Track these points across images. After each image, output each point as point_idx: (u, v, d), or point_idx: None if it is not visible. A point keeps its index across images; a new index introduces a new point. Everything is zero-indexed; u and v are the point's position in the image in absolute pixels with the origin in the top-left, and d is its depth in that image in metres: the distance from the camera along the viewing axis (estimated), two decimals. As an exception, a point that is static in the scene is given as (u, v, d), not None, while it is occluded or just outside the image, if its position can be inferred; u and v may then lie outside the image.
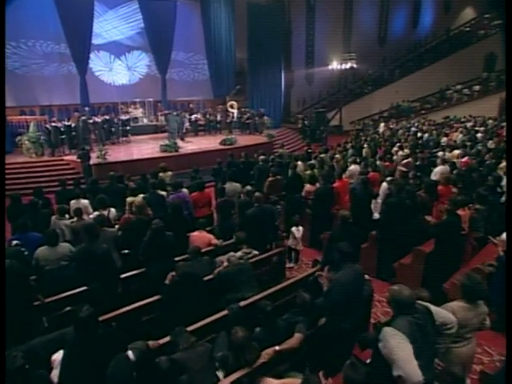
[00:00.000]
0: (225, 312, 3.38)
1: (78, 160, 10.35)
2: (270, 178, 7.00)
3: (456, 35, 26.41)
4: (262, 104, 18.85)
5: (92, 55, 16.28)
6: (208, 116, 16.62)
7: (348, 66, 21.29)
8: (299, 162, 8.36)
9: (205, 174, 11.17)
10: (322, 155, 9.04)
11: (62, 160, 11.70)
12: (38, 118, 13.79)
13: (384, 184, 5.95)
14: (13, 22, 14.59)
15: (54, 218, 5.03)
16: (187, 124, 15.58)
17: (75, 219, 4.96)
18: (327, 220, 5.88)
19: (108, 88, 17.60)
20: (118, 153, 12.24)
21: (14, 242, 4.02)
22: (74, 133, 12.08)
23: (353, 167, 7.59)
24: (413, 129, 16.59)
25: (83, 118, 12.53)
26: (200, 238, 4.81)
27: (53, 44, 16.01)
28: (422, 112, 23.07)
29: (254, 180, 7.85)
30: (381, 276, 5.12)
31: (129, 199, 5.86)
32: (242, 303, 3.49)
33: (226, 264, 4.26)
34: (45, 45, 15.97)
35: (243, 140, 14.46)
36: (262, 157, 8.49)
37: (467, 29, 26.23)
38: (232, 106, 17.50)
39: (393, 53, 26.66)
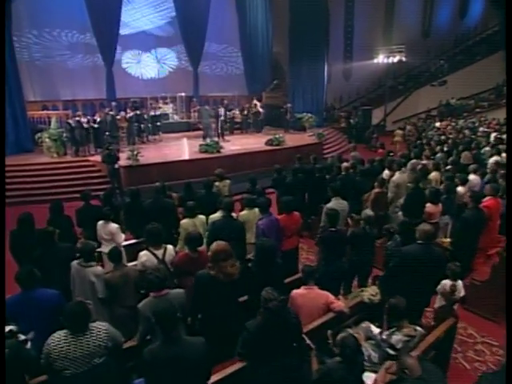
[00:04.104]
0: None
1: (103, 162, 8.71)
2: (375, 190, 5.21)
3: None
4: (303, 101, 16.99)
5: (119, 46, 14.77)
6: (246, 113, 14.86)
7: (396, 59, 19.11)
8: (387, 171, 6.53)
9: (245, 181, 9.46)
10: (412, 161, 7.09)
11: (88, 161, 10.11)
12: (60, 113, 12.34)
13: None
14: (37, 10, 13.43)
15: (75, 263, 3.27)
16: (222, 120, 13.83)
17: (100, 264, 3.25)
18: (471, 259, 3.93)
19: (136, 82, 16.15)
20: (149, 153, 10.50)
21: (8, 329, 2.25)
22: (100, 130, 10.48)
23: (472, 177, 5.62)
24: (481, 129, 14.33)
25: (111, 113, 10.93)
26: (312, 298, 3.01)
27: (78, 33, 14.79)
28: (477, 110, 20.60)
29: (332, 193, 5.95)
30: None
31: (184, 223, 4.10)
32: None
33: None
34: (70, 34, 14.77)
35: (290, 140, 12.57)
36: (345, 164, 6.55)
37: (525, 18, 23.53)
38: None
39: (438, 46, 24.26)
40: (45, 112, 12.55)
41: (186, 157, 10.20)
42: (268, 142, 11.60)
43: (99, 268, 3.29)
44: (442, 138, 12.82)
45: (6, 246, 3.99)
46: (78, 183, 9.24)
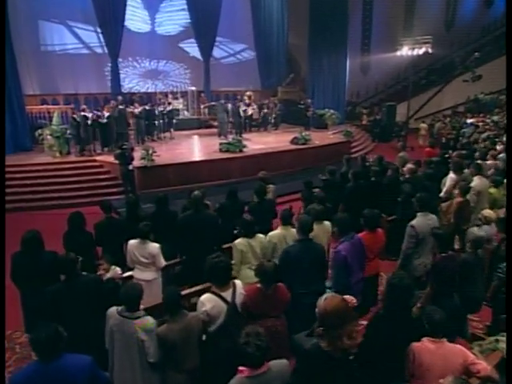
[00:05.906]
0: None
1: (116, 162, 7.61)
2: (457, 199, 4.28)
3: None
4: (323, 96, 15.87)
5: (124, 36, 13.65)
6: (266, 109, 13.75)
7: (422, 51, 17.84)
8: (452, 175, 5.42)
9: (277, 183, 8.34)
10: (478, 162, 5.98)
11: (94, 161, 8.98)
12: (63, 107, 11.23)
13: None
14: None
15: (114, 313, 2.30)
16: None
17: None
18: None
19: (143, 75, 15.02)
20: (162, 152, 9.30)
21: None
22: (108, 126, 9.35)
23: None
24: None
25: (121, 107, 9.80)
26: (444, 356, 2.18)
27: (81, 22, 13.72)
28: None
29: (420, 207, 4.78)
30: None
31: (239, 244, 3.06)
32: None
33: None
34: (72, 23, 13.62)
35: (314, 138, 11.39)
36: (409, 165, 5.43)
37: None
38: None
39: (462, 37, 22.99)
40: (45, 106, 11.40)
41: (206, 157, 9.04)
42: (293, 141, 10.45)
43: (150, 320, 2.25)
44: (486, 134, 11.58)
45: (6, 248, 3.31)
46: (83, 186, 8.18)
